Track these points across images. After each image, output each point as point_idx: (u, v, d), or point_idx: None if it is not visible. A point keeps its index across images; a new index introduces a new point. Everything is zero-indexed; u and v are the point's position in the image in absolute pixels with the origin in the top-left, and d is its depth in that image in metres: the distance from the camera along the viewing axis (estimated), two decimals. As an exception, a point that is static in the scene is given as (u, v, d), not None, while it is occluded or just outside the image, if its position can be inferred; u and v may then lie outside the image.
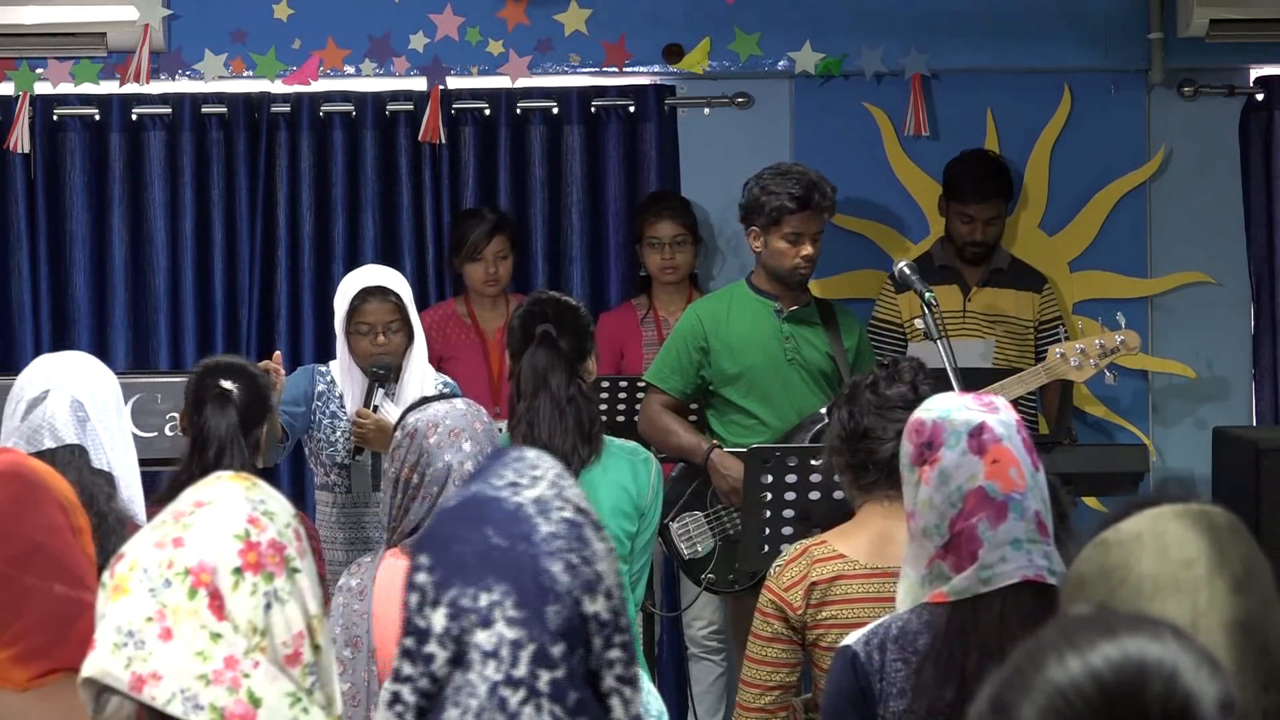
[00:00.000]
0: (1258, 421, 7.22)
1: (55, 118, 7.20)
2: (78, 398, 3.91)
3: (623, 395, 6.36)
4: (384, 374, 5.69)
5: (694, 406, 6.27)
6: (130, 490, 3.90)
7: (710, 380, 6.18)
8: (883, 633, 3.25)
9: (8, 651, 2.80)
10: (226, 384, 4.67)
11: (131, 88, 7.12)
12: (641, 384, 6.30)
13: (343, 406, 5.79)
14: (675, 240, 6.96)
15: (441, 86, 7.19)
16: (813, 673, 4.02)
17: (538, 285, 6.99)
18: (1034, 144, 7.28)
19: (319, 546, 4.77)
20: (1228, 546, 2.14)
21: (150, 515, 2.87)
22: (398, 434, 4.05)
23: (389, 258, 6.97)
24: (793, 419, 6.04)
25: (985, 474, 3.19)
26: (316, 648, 2.31)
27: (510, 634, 2.24)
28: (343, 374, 5.80)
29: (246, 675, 2.24)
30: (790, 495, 4.97)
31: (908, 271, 5.83)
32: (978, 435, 3.22)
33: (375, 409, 5.65)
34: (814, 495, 4.93)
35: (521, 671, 2.23)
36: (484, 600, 2.24)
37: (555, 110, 7.26)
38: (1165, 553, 2.12)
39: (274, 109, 7.20)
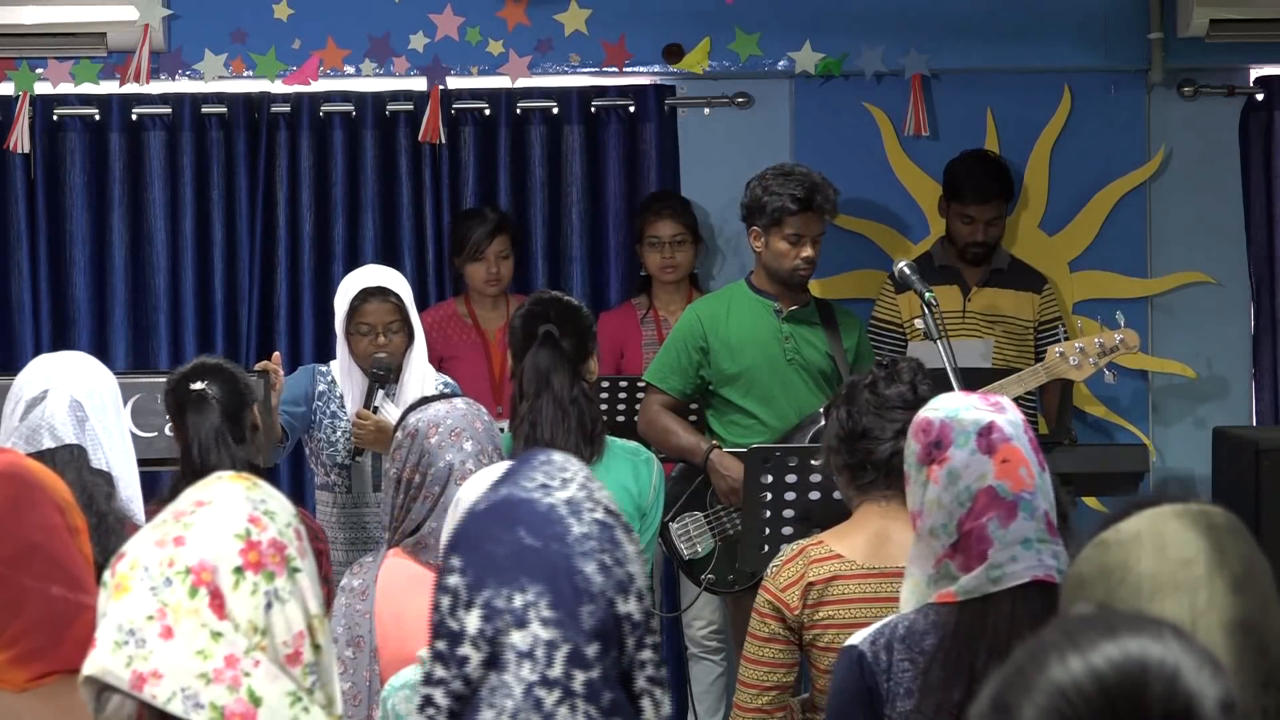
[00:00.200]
0: (1258, 421, 7.22)
1: (55, 118, 7.20)
2: (76, 398, 3.91)
3: (623, 395, 6.36)
4: (384, 374, 5.69)
5: (694, 406, 6.27)
6: (129, 490, 3.90)
7: (710, 380, 6.18)
8: (889, 632, 3.25)
9: (5, 653, 2.80)
10: (198, 385, 4.66)
11: (131, 88, 7.12)
12: (641, 384, 6.30)
13: (343, 407, 5.79)
14: (675, 240, 6.96)
15: (441, 86, 7.19)
16: (810, 673, 4.02)
17: (538, 285, 6.99)
18: (1034, 144, 7.28)
19: (325, 547, 4.76)
20: (1227, 546, 2.14)
21: (150, 516, 2.87)
22: (399, 434, 4.05)
23: (389, 258, 6.97)
24: (792, 419, 6.04)
25: (995, 473, 3.19)
26: (317, 647, 2.31)
27: (545, 634, 2.23)
28: (343, 374, 5.80)
29: (247, 674, 2.24)
30: (790, 495, 4.97)
31: (908, 271, 5.83)
32: (987, 434, 3.22)
33: (375, 410, 5.65)
34: (814, 495, 4.93)
35: (556, 672, 2.22)
36: (518, 601, 2.23)
37: (555, 110, 7.26)
38: (1164, 552, 2.12)
39: (274, 109, 7.20)
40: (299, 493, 6.94)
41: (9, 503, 2.85)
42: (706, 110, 7.33)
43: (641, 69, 7.30)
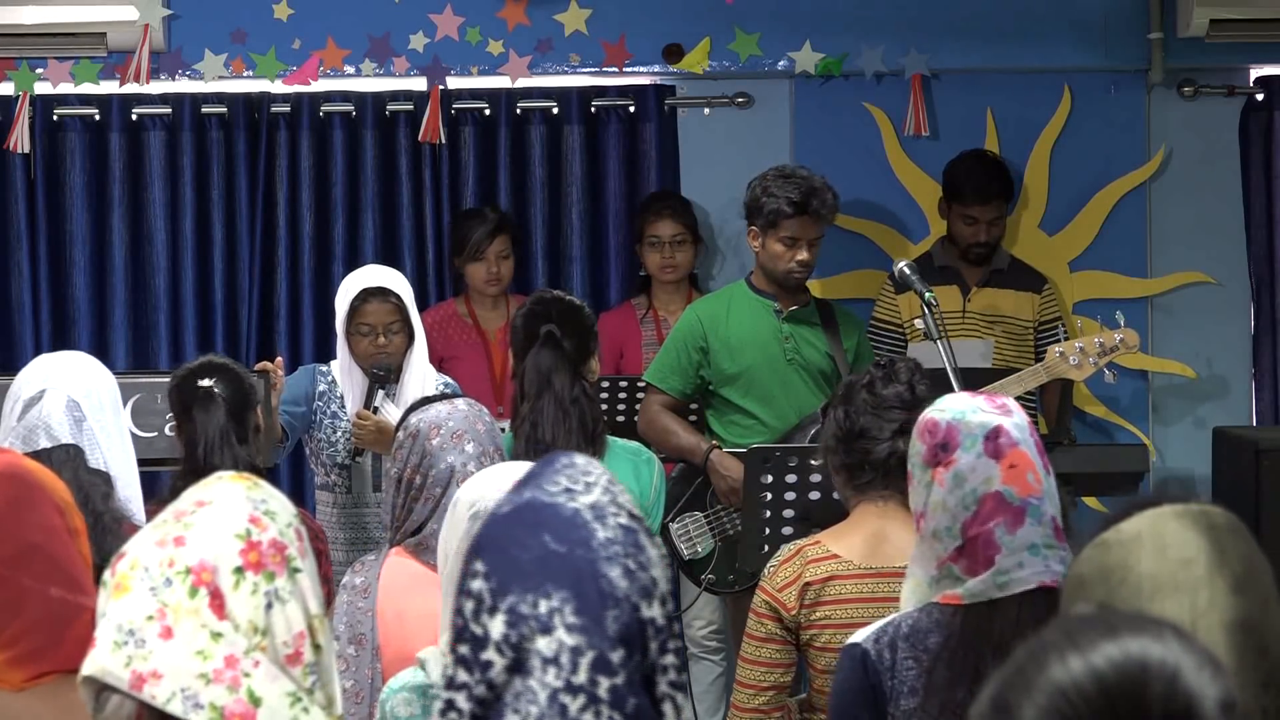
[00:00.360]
0: (1258, 421, 7.22)
1: (55, 118, 7.20)
2: (74, 397, 3.91)
3: (622, 395, 6.36)
4: (385, 375, 5.69)
5: (694, 406, 6.27)
6: (128, 490, 3.90)
7: (710, 380, 6.18)
8: (893, 631, 3.25)
9: (4, 654, 2.80)
10: (205, 382, 4.67)
11: (131, 88, 7.12)
12: (641, 384, 6.30)
13: (343, 407, 5.79)
14: (675, 240, 6.96)
15: (441, 86, 7.19)
16: (808, 673, 4.02)
17: (538, 285, 6.99)
18: (1034, 144, 7.28)
19: (325, 548, 4.77)
20: (1227, 546, 2.14)
21: (151, 516, 2.87)
22: (400, 434, 4.05)
23: (389, 258, 6.97)
24: (792, 419, 6.04)
25: (1003, 478, 3.19)
26: (317, 647, 2.30)
27: (570, 640, 2.22)
28: (343, 375, 5.80)
29: (247, 674, 2.24)
30: (790, 495, 4.97)
31: (908, 271, 5.83)
32: (994, 439, 3.21)
33: (376, 410, 5.65)
34: (814, 495, 4.93)
35: (581, 678, 2.21)
36: (543, 606, 2.22)
37: (555, 110, 7.26)
38: (1165, 553, 2.12)
39: (274, 109, 7.20)
40: (299, 493, 6.94)
41: (9, 503, 2.85)
42: (706, 110, 7.33)
43: (641, 69, 7.30)
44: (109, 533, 3.51)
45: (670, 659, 2.29)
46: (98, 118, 7.21)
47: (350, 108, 7.21)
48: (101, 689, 2.27)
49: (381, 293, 5.71)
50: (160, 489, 4.80)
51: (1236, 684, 1.66)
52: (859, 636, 3.29)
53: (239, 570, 2.27)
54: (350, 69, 7.23)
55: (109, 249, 7.19)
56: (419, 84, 7.23)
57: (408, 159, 7.23)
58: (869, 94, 7.27)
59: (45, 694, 2.80)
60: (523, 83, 7.26)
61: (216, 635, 2.24)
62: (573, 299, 5.17)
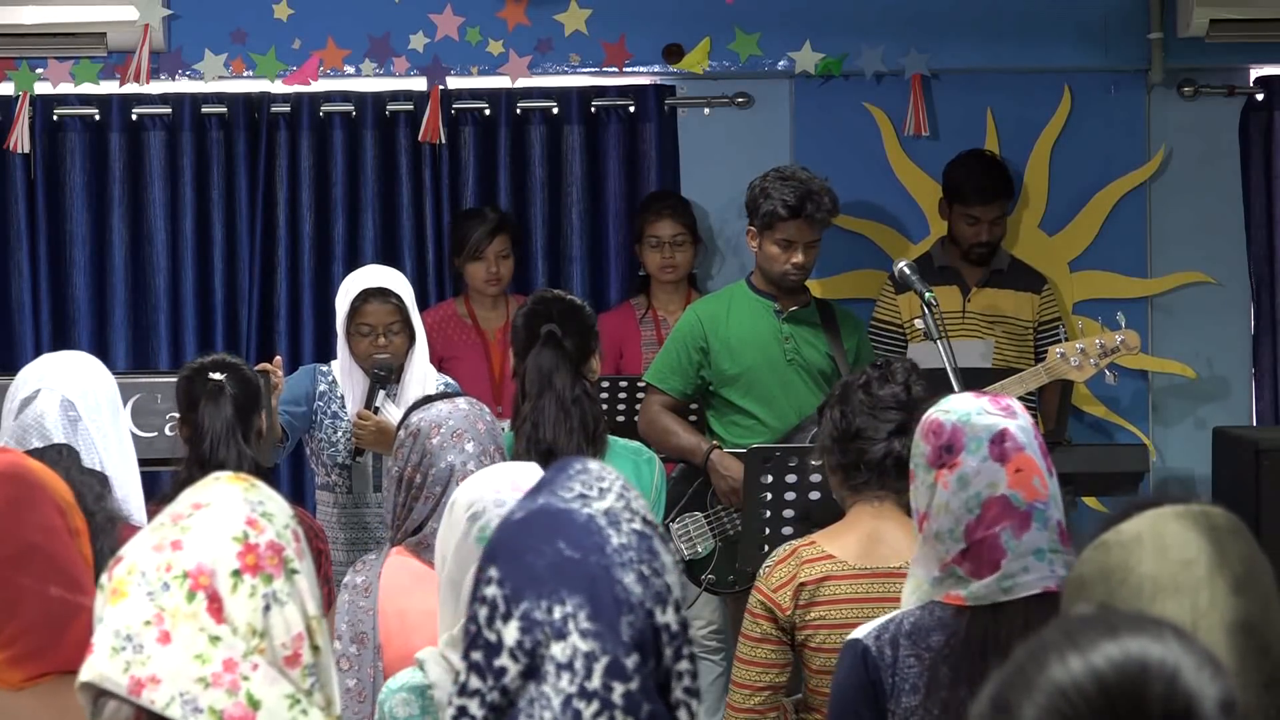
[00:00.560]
0: (1258, 421, 7.22)
1: (55, 118, 7.20)
2: (69, 397, 3.90)
3: (622, 395, 6.36)
4: (385, 375, 5.69)
5: (694, 407, 6.27)
6: (126, 490, 3.89)
7: (710, 380, 6.18)
8: (894, 628, 3.24)
9: (3, 653, 2.79)
10: (216, 376, 4.68)
11: (131, 88, 7.12)
12: (641, 384, 6.30)
13: (344, 407, 5.79)
14: (675, 240, 6.96)
15: (441, 86, 7.19)
16: (804, 673, 4.02)
17: (538, 285, 6.99)
18: (1034, 144, 7.28)
19: (325, 548, 4.77)
20: (1228, 547, 2.14)
21: (151, 515, 2.87)
22: (401, 433, 4.06)
23: (389, 258, 6.97)
24: (792, 419, 6.04)
25: (1009, 483, 3.18)
26: (316, 648, 2.30)
27: (584, 646, 2.21)
28: (344, 375, 5.80)
29: (245, 678, 2.24)
30: (790, 495, 4.97)
31: (908, 272, 5.83)
32: (1000, 442, 3.20)
33: (376, 410, 5.65)
34: (814, 495, 4.93)
35: (595, 684, 2.20)
36: (558, 612, 2.21)
37: (555, 110, 7.26)
38: (1165, 554, 2.12)
39: (274, 109, 7.20)
40: (299, 493, 6.94)
41: (9, 503, 2.84)
42: (706, 110, 7.33)
43: (641, 69, 7.30)
44: (102, 533, 3.50)
45: (685, 665, 2.28)
46: (98, 118, 7.21)
47: (350, 108, 7.21)
48: (100, 694, 2.26)
49: (382, 293, 5.70)
50: (161, 489, 4.80)
51: (1238, 684, 1.66)
52: (860, 633, 3.28)
53: (236, 573, 2.26)
54: (350, 69, 7.23)
55: (109, 249, 7.19)
56: (419, 84, 7.23)
57: (408, 159, 7.23)
58: (869, 94, 7.27)
59: (43, 694, 2.80)
60: (523, 83, 7.26)
61: (215, 639, 2.24)
62: (573, 298, 5.17)
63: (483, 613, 2.24)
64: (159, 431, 5.42)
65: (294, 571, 2.30)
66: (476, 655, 2.24)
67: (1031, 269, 7.04)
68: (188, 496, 2.34)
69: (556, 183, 7.28)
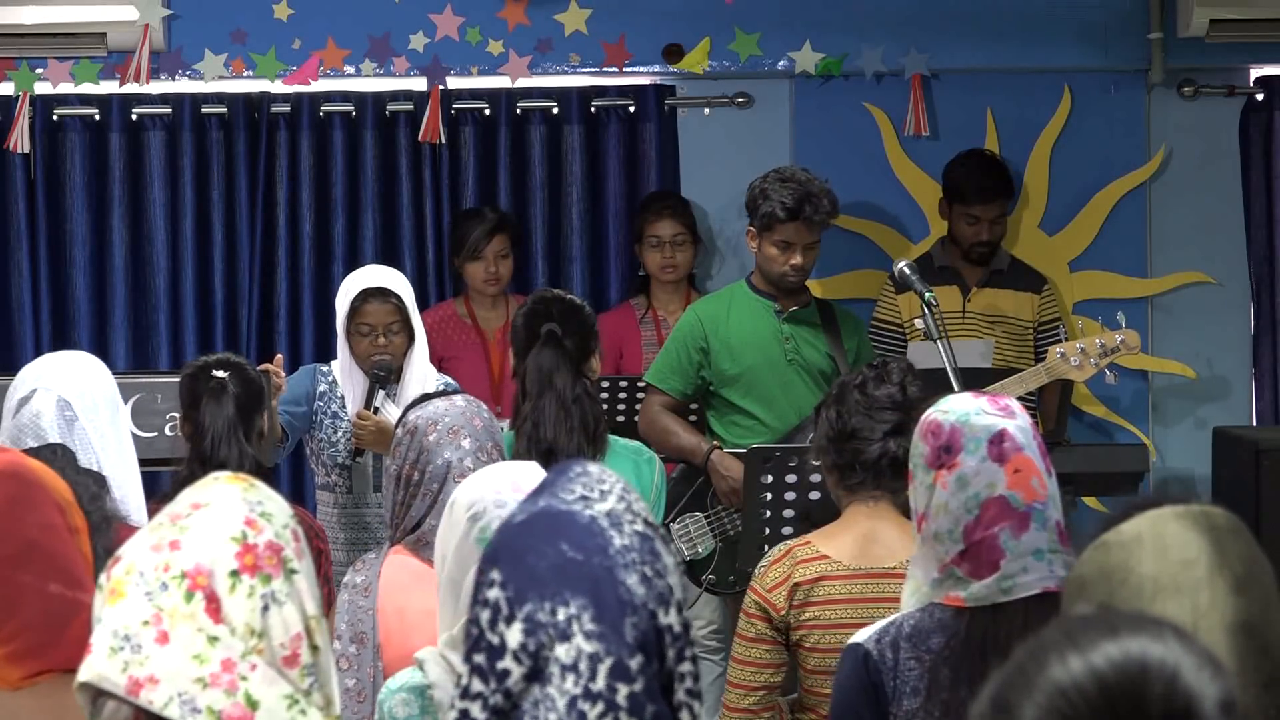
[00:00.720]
0: (1258, 421, 7.22)
1: (55, 118, 7.20)
2: (65, 397, 3.90)
3: (623, 395, 6.36)
4: (385, 375, 5.69)
5: (694, 407, 6.27)
6: (124, 490, 3.89)
7: (710, 381, 6.18)
8: (894, 631, 3.24)
9: (2, 649, 2.79)
10: (220, 374, 4.69)
11: (131, 88, 7.12)
12: (641, 384, 6.30)
13: (344, 407, 5.79)
14: (675, 239, 6.96)
15: (441, 86, 7.19)
16: (799, 673, 4.02)
17: (538, 285, 6.99)
18: (1034, 144, 7.28)
19: (325, 547, 4.77)
20: (1228, 547, 2.14)
21: (152, 513, 2.86)
22: (399, 431, 4.06)
23: (389, 258, 6.97)
24: (792, 420, 6.04)
25: (1007, 483, 3.18)
26: (315, 648, 2.30)
27: (589, 647, 2.21)
28: (344, 375, 5.80)
29: (244, 678, 2.24)
30: (790, 495, 4.97)
31: (908, 271, 5.83)
32: (998, 443, 3.20)
33: (376, 410, 5.65)
34: (814, 495, 4.93)
35: (599, 685, 2.20)
36: (562, 614, 2.21)
37: (555, 110, 7.26)
38: (1166, 554, 2.12)
39: (274, 109, 7.20)
40: (299, 493, 6.94)
41: (8, 501, 2.84)
42: (706, 110, 7.33)
43: (641, 69, 7.30)
44: (97, 533, 3.50)
45: (687, 666, 2.28)
46: (98, 118, 7.21)
47: (350, 108, 7.21)
48: (98, 694, 2.26)
49: (382, 293, 5.71)
50: (161, 489, 4.80)
51: (1239, 685, 1.66)
52: (860, 636, 3.29)
53: (235, 574, 2.26)
54: (350, 69, 7.23)
55: (109, 249, 7.19)
56: (419, 84, 7.22)
57: (408, 159, 7.22)
58: (869, 94, 7.27)
59: (42, 694, 2.80)
60: (523, 83, 7.26)
61: (213, 639, 2.24)
62: (573, 298, 5.17)
63: (485, 615, 2.24)
64: (159, 431, 5.42)
65: (293, 571, 2.30)
66: (479, 658, 2.23)
67: (1031, 269, 7.04)
68: (186, 496, 2.34)
69: (556, 183, 7.28)
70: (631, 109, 7.26)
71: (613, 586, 2.22)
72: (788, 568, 3.96)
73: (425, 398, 4.15)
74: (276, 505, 2.34)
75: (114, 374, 4.10)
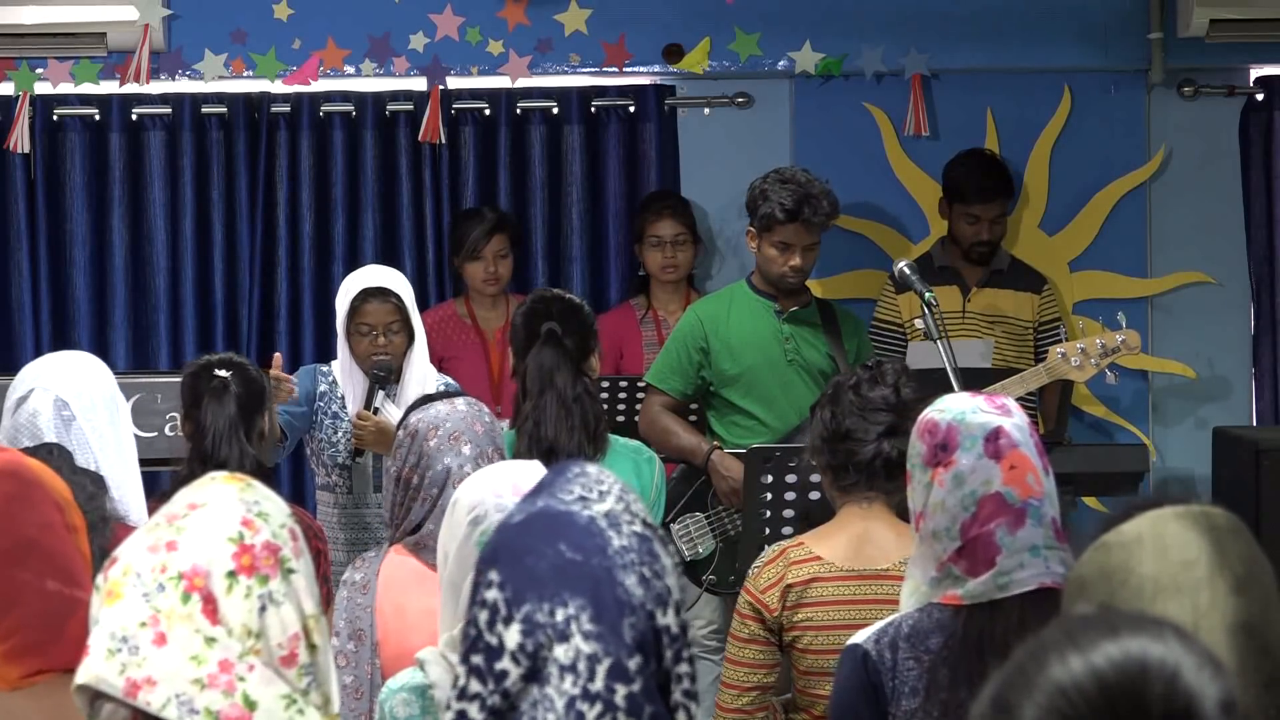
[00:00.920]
0: (1258, 421, 7.22)
1: (55, 118, 7.20)
2: (62, 397, 3.89)
3: (623, 395, 6.36)
4: (385, 375, 5.68)
5: (694, 407, 6.27)
6: (123, 490, 3.88)
7: (710, 381, 6.18)
8: (893, 631, 3.25)
9: (1, 645, 2.79)
10: (222, 373, 4.69)
11: (131, 88, 7.12)
12: (641, 384, 6.30)
13: (344, 407, 5.79)
14: (676, 239, 6.96)
15: (441, 86, 7.19)
16: (792, 673, 4.02)
17: (538, 285, 6.99)
18: (1034, 144, 7.28)
19: (325, 547, 4.77)
20: (1228, 547, 2.14)
21: (151, 512, 2.86)
22: (400, 433, 4.06)
23: (389, 258, 6.97)
24: (792, 420, 6.04)
25: (1003, 480, 3.18)
26: (313, 647, 2.30)
27: (587, 648, 2.21)
28: (344, 375, 5.80)
29: (242, 678, 2.24)
30: (790, 495, 4.97)
31: (908, 271, 5.83)
32: (994, 440, 3.21)
33: (376, 410, 5.65)
34: (814, 495, 4.93)
35: (598, 685, 2.20)
36: (560, 614, 2.21)
37: (555, 110, 7.26)
38: (1166, 554, 2.12)
39: (274, 109, 7.20)
40: (299, 493, 6.94)
41: (6, 499, 2.84)
42: (706, 110, 7.33)
43: (641, 69, 7.30)
44: (94, 533, 3.50)
45: (684, 668, 2.28)
46: (98, 118, 7.21)
47: (350, 108, 7.21)
48: (96, 696, 2.26)
49: (381, 293, 5.71)
50: (160, 489, 4.80)
51: (1239, 685, 1.66)
52: (859, 637, 3.29)
53: (232, 574, 2.26)
54: (350, 69, 7.23)
55: (109, 249, 7.19)
56: (419, 84, 7.22)
57: (408, 159, 7.22)
58: (869, 94, 7.27)
59: (39, 695, 2.80)
60: (523, 83, 7.26)
61: (210, 640, 2.24)
62: (573, 297, 5.17)
63: (483, 616, 2.23)
64: (159, 431, 5.42)
65: (290, 571, 2.30)
66: (477, 659, 2.23)
67: (1031, 269, 7.04)
68: (183, 497, 2.33)
69: (556, 183, 7.28)
70: (631, 109, 7.26)
71: (611, 587, 2.22)
72: (781, 569, 3.97)
73: (427, 399, 4.14)
74: (273, 505, 2.33)
75: (114, 374, 4.09)
